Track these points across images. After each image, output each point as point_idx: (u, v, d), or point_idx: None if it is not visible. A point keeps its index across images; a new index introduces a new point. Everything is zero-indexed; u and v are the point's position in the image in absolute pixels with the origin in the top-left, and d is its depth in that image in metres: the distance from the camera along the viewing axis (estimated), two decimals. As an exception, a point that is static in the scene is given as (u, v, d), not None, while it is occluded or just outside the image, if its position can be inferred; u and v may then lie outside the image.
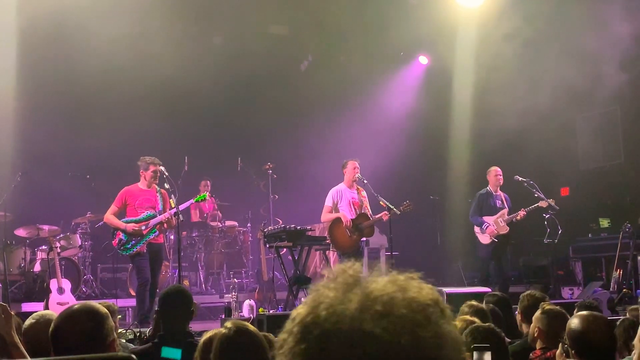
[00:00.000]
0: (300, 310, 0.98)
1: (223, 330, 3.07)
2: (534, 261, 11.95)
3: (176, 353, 3.97)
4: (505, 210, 9.72)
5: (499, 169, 9.96)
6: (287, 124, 13.05)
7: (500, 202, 9.82)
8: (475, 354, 3.20)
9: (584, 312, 3.50)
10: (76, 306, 2.74)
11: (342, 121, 12.89)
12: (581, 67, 10.86)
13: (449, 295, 8.13)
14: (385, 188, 9.76)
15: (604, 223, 11.97)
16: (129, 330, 6.54)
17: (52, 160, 11.00)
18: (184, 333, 4.31)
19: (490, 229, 9.63)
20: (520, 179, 9.86)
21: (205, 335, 3.18)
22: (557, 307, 4.60)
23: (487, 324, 4.24)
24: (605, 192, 12.34)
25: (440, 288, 8.52)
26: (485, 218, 9.75)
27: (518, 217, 9.58)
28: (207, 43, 12.10)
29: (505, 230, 9.67)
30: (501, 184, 9.88)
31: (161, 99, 11.73)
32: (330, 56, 12.88)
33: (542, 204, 9.55)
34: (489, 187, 9.92)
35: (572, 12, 10.75)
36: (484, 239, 9.73)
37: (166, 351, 4.00)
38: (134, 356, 2.32)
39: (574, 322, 3.36)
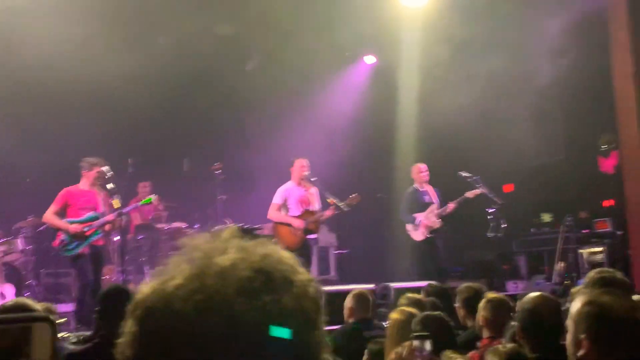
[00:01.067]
0: (141, 287, 0.94)
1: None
2: (479, 256, 12.15)
3: (285, 332, 3.93)
4: (435, 205, 9.90)
5: (421, 166, 10.19)
6: (234, 125, 12.99)
7: (428, 197, 10.01)
8: (416, 342, 3.25)
9: (535, 293, 3.60)
10: (9, 303, 2.68)
11: (290, 121, 12.90)
12: (523, 64, 11.12)
13: (396, 289, 8.23)
14: (333, 186, 9.80)
15: (546, 218, 12.27)
16: (72, 334, 6.41)
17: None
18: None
19: (423, 223, 9.79)
20: (465, 174, 10.03)
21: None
22: (501, 296, 4.71)
23: (437, 312, 4.32)
24: (547, 187, 12.63)
25: (387, 283, 8.62)
26: (417, 215, 9.90)
27: (448, 210, 9.77)
28: (151, 44, 11.95)
29: (437, 224, 9.82)
30: (426, 179, 10.10)
31: (105, 101, 11.55)
32: (276, 56, 12.86)
33: (469, 194, 9.74)
34: (416, 184, 10.10)
35: (512, 11, 10.97)
36: (417, 236, 9.90)
37: (275, 330, 3.95)
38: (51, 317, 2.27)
39: (525, 301, 3.46)
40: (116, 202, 8.18)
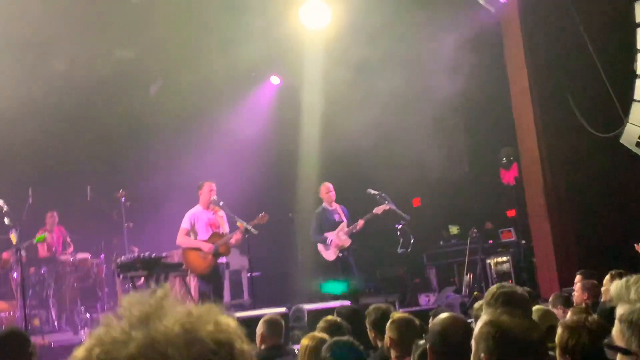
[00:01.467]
0: (78, 352, 0.87)
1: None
2: (390, 272, 12.30)
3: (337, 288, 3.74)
4: (344, 223, 9.96)
5: (329, 185, 10.24)
6: (138, 150, 12.68)
7: (338, 216, 10.06)
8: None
9: (445, 314, 3.62)
10: None
11: (196, 144, 12.73)
12: (423, 81, 11.37)
13: (309, 312, 8.19)
14: (241, 209, 9.70)
15: (454, 230, 12.57)
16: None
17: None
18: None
19: (334, 242, 9.83)
20: (372, 192, 10.12)
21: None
22: (406, 315, 4.73)
23: (346, 337, 4.30)
24: (453, 200, 12.95)
25: (300, 305, 8.57)
26: (327, 234, 9.94)
27: (357, 227, 9.84)
28: (49, 69, 11.53)
29: (347, 242, 9.88)
30: (333, 199, 10.14)
31: (1, 130, 11.04)
32: (180, 79, 12.67)
33: (377, 210, 9.85)
34: (324, 204, 10.14)
35: (409, 30, 11.24)
36: (329, 255, 9.92)
37: (328, 286, 3.75)
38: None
39: (435, 322, 3.48)
40: (13, 238, 7.80)
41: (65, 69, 11.63)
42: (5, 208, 7.92)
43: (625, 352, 1.44)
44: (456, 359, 3.35)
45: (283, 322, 5.71)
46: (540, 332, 2.54)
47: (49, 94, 11.05)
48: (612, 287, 1.49)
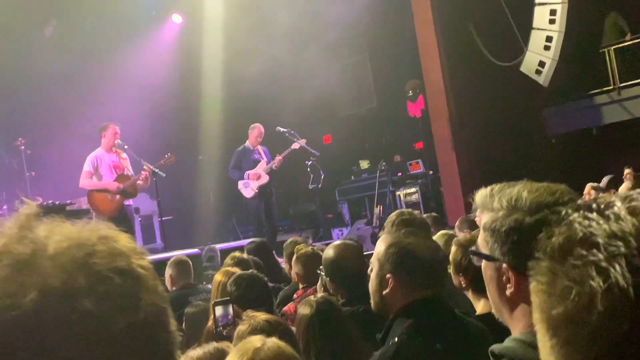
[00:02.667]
0: None
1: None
2: (303, 208, 12.41)
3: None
4: (264, 161, 9.90)
5: (261, 129, 10.00)
6: (37, 95, 12.11)
7: (258, 155, 9.98)
8: (218, 309, 3.21)
9: (338, 242, 3.67)
10: None
11: (98, 86, 12.24)
12: (331, 17, 11.28)
13: (222, 250, 8.18)
14: (147, 153, 9.47)
15: (364, 165, 12.74)
16: None
17: None
18: None
19: (252, 177, 9.76)
20: (281, 129, 10.08)
21: None
22: (310, 249, 4.80)
23: (249, 270, 4.31)
24: (363, 135, 13.09)
25: (213, 245, 8.54)
26: (247, 172, 9.85)
27: (276, 164, 9.78)
28: None
29: (265, 179, 9.84)
30: (260, 142, 10.01)
31: None
32: (77, 20, 12.09)
33: (295, 145, 9.85)
34: (247, 143, 10.01)
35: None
36: (248, 192, 9.86)
37: None
38: None
39: (328, 252, 3.51)
40: None
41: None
42: None
43: (488, 258, 1.48)
44: (352, 282, 3.43)
45: (190, 262, 5.68)
46: (442, 251, 2.61)
47: None
48: (476, 196, 1.52)
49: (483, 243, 1.49)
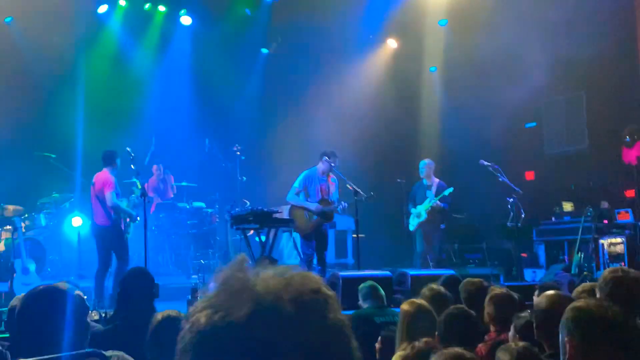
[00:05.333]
0: (196, 316, 1.01)
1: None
2: (498, 244, 12.11)
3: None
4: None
5: (430, 163, 10.42)
6: (256, 107, 13.04)
7: (429, 191, 10.35)
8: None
9: (550, 292, 3.61)
10: (41, 287, 2.73)
11: (311, 105, 12.88)
12: (548, 52, 11.00)
13: (412, 277, 8.25)
14: (352, 170, 9.84)
15: (567, 207, 12.17)
16: (94, 312, 6.52)
17: (17, 141, 10.86)
18: (147, 313, 4.33)
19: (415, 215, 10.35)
20: (485, 163, 10.00)
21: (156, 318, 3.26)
22: (505, 290, 4.72)
23: (460, 306, 4.34)
24: (569, 176, 12.54)
25: (405, 270, 8.65)
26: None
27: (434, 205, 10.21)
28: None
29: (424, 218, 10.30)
30: (429, 175, 10.44)
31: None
32: (298, 39, 12.83)
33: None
34: (424, 178, 10.47)
35: None
36: (411, 226, 10.32)
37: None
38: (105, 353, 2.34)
39: (540, 301, 3.47)
40: (137, 183, 8.30)
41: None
42: (132, 155, 8.40)
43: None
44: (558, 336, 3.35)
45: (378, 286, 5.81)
46: (615, 310, 2.47)
47: (181, 51, 11.45)
48: None
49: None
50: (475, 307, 4.48)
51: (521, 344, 3.23)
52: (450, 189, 10.27)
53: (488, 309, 4.57)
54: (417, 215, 10.43)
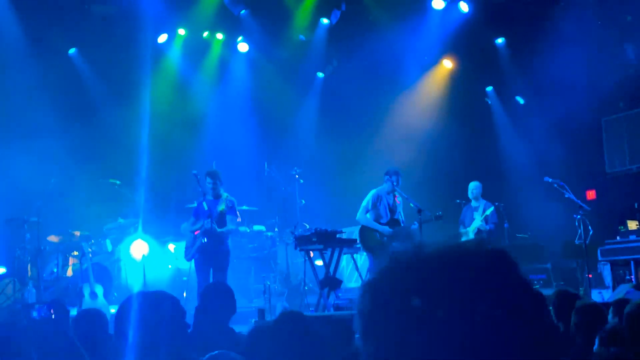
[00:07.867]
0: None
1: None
2: (564, 264, 11.88)
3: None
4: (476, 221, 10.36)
5: (477, 186, 10.45)
6: (311, 130, 13.14)
7: (476, 213, 10.42)
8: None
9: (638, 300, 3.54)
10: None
11: (366, 125, 12.93)
12: (607, 68, 10.87)
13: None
14: (411, 190, 9.83)
15: (632, 225, 11.88)
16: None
17: (83, 168, 11.12)
18: (225, 325, 4.39)
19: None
20: (549, 180, 9.90)
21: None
22: (592, 302, 4.62)
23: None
24: (633, 194, 12.27)
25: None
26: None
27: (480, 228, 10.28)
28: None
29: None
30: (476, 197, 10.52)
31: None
32: (354, 61, 12.90)
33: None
34: (472, 200, 10.54)
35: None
36: None
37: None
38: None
39: (632, 308, 3.41)
40: (204, 205, 8.43)
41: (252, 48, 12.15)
42: (198, 177, 8.56)
43: None
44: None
45: None
46: None
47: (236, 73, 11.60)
48: None
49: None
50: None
51: (613, 351, 3.17)
52: (492, 208, 10.25)
53: (573, 319, 4.49)
54: (467, 237, 10.35)
